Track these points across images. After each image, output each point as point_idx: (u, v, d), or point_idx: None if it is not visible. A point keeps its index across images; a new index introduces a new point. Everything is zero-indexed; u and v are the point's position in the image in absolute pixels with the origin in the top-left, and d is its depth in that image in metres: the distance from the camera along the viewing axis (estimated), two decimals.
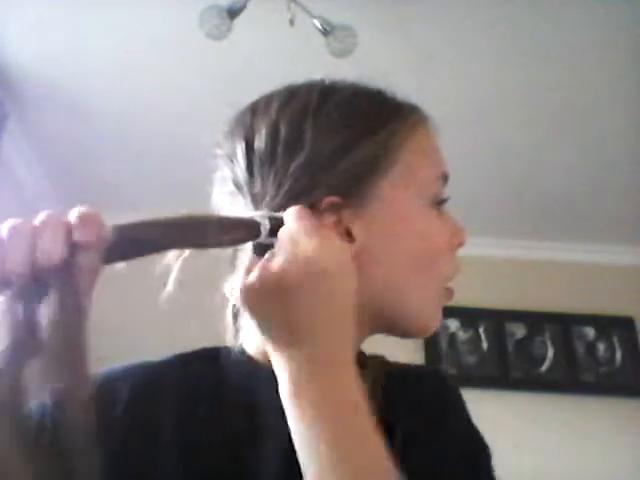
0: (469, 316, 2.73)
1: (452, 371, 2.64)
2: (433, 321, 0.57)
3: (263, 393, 0.53)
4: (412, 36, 2.01)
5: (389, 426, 0.55)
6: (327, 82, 0.58)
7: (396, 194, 0.54)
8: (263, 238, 0.49)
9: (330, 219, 0.52)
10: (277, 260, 0.46)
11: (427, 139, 0.58)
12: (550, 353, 2.74)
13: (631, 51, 2.00)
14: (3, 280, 0.38)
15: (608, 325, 2.78)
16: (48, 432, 0.38)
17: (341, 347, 0.46)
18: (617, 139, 2.37)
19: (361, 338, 0.58)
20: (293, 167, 0.53)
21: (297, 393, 0.44)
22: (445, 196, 0.58)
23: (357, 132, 0.54)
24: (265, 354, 0.52)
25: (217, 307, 0.58)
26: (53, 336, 0.38)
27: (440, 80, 2.14)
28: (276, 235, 0.49)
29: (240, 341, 0.59)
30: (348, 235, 0.53)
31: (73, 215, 0.40)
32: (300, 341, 0.45)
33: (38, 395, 0.38)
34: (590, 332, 2.78)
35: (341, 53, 1.79)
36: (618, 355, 2.74)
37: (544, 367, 2.71)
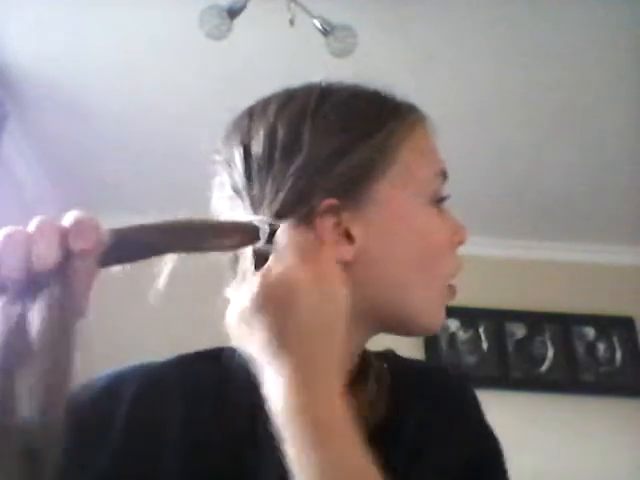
0: (469, 316, 2.73)
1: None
2: (437, 319, 0.57)
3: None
4: (412, 36, 2.01)
5: (398, 424, 0.56)
6: (325, 84, 0.58)
7: (395, 193, 0.54)
8: (262, 243, 0.49)
9: (329, 221, 0.52)
10: (254, 286, 0.47)
11: (425, 138, 0.58)
12: (550, 353, 2.74)
13: (631, 51, 2.00)
14: None
15: (608, 325, 2.78)
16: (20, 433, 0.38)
17: (323, 368, 0.46)
18: (617, 139, 2.36)
19: (365, 338, 0.58)
20: (291, 170, 0.52)
21: (282, 412, 0.44)
22: (445, 194, 0.58)
23: (354, 135, 0.54)
24: None
25: (219, 308, 0.58)
26: (44, 340, 0.38)
27: (440, 80, 2.14)
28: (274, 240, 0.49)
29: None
30: (348, 237, 0.53)
31: (68, 220, 0.40)
32: (282, 365, 0.45)
33: (28, 400, 0.38)
34: (590, 332, 2.78)
35: (341, 53, 1.79)
36: (618, 355, 2.74)
37: (544, 367, 2.71)
